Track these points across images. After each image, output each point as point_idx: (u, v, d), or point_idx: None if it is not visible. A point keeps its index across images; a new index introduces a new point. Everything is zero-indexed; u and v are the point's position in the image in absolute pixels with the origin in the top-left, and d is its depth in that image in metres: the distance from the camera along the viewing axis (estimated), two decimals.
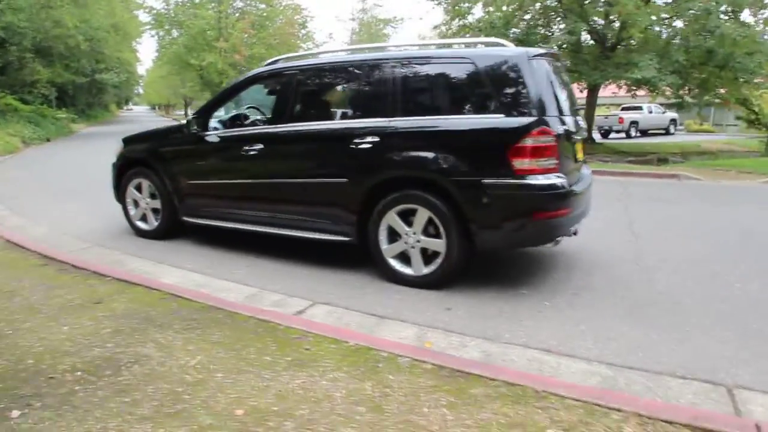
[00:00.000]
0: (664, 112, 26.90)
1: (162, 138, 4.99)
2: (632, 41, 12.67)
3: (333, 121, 4.01)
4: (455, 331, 3.08)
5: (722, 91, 13.17)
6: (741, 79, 11.65)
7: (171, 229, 5.08)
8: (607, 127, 25.55)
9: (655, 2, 11.79)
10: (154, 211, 5.10)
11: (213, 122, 4.71)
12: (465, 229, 3.52)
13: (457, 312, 3.34)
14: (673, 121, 27.32)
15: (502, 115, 3.37)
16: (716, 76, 12.14)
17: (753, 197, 7.83)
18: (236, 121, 5.06)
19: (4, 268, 4.04)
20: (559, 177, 3.37)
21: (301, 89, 4.22)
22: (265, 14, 29.32)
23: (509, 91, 3.39)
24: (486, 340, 2.95)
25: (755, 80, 11.26)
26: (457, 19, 14.79)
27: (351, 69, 4.02)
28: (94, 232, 5.42)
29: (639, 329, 3.07)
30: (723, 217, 6.24)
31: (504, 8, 13.72)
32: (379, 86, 3.82)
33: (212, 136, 4.60)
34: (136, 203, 5.23)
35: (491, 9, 14.15)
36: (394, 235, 3.82)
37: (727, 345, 2.87)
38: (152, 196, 5.07)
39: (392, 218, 3.76)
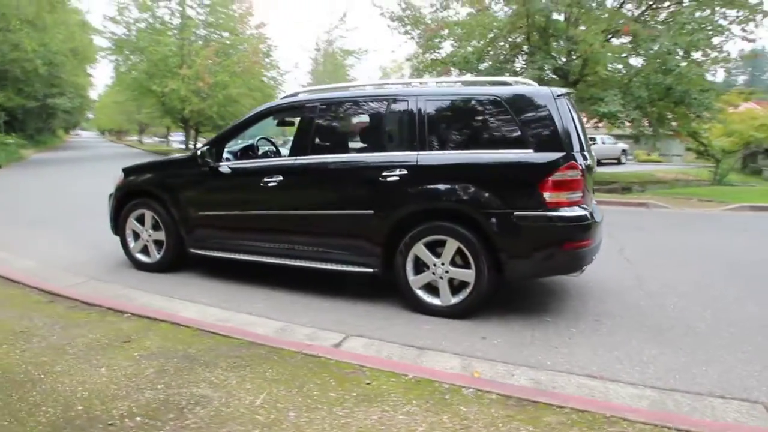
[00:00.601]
0: (615, 143, 28.45)
1: (170, 168, 4.88)
2: (589, 78, 13.48)
3: (358, 154, 4.06)
4: (497, 359, 3.14)
5: (674, 124, 14.18)
6: (693, 114, 12.62)
7: (175, 261, 4.93)
8: None
9: (614, 43, 12.66)
10: (157, 243, 4.94)
11: (224, 153, 4.68)
12: (494, 259, 3.62)
13: (492, 341, 3.41)
14: (624, 151, 28.91)
15: (530, 151, 3.54)
16: (671, 111, 13.10)
17: (721, 224, 8.38)
18: (247, 152, 5.04)
19: (7, 306, 3.80)
20: (584, 209, 3.55)
21: (324, 122, 4.27)
22: (229, 42, 29.25)
23: (537, 127, 3.57)
24: (530, 368, 3.02)
25: (706, 115, 12.22)
26: (429, 53, 15.28)
27: (376, 103, 4.11)
28: (84, 264, 5.18)
29: (667, 352, 3.23)
30: (704, 244, 6.66)
31: (474, 43, 14.32)
32: (405, 120, 3.92)
33: (226, 167, 4.54)
34: (135, 235, 5.05)
35: (457, 45, 14.76)
36: (419, 266, 3.87)
37: (751, 365, 3.07)
38: (155, 228, 4.92)
39: (420, 249, 3.81)
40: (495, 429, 2.23)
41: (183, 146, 34.28)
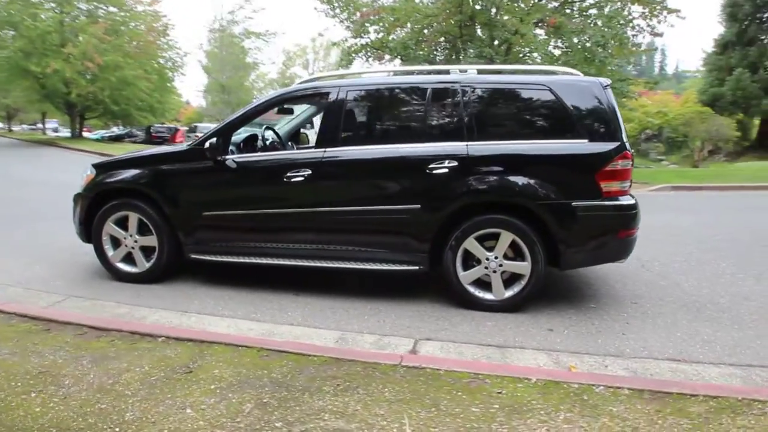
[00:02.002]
0: None
1: (164, 163, 4.20)
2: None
3: (399, 146, 3.79)
4: (579, 351, 3.13)
5: None
6: None
7: (169, 269, 4.31)
8: None
9: (541, 35, 13.33)
10: (145, 249, 4.27)
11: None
12: (549, 250, 3.60)
13: (560, 332, 3.40)
14: None
15: (585, 141, 3.54)
16: None
17: (658, 204, 9.22)
18: (251, 143, 4.52)
19: None
20: (633, 197, 3.64)
21: (357, 111, 3.92)
22: (119, 18, 26.35)
23: (590, 117, 3.58)
24: (615, 356, 3.05)
25: (625, 103, 13.41)
26: (359, 38, 14.96)
27: (415, 91, 3.85)
28: (48, 279, 4.35)
29: (720, 330, 3.44)
30: (662, 223, 7.17)
31: (406, 30, 14.27)
32: (450, 109, 3.73)
33: (238, 161, 4.03)
34: (115, 242, 4.33)
35: (384, 31, 14.63)
36: (466, 261, 3.75)
37: None
38: (142, 232, 4.25)
39: (471, 244, 3.68)
40: (658, 427, 2.20)
41: (68, 134, 30.51)
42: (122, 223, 4.28)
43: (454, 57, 13.75)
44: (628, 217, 3.57)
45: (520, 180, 3.56)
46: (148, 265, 4.27)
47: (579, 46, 12.18)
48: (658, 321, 3.60)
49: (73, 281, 4.33)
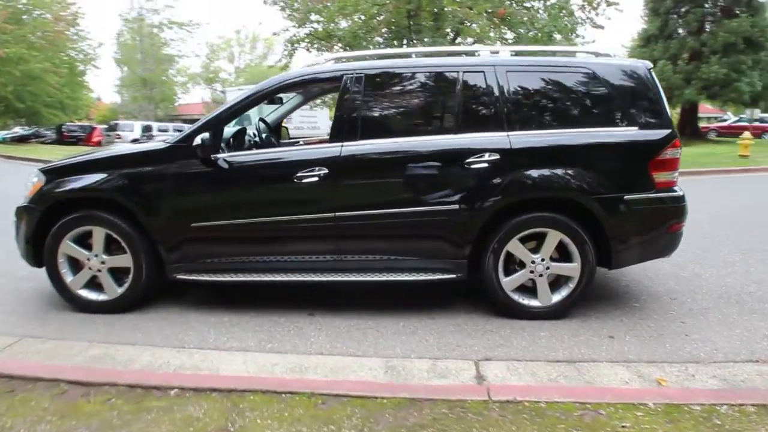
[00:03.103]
0: None
1: (139, 164, 3.41)
2: None
3: (430, 138, 3.30)
4: (654, 359, 2.84)
5: None
6: None
7: (147, 294, 3.56)
8: None
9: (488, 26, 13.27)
10: (115, 271, 3.49)
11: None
12: (599, 249, 3.29)
13: (622, 339, 3.09)
14: None
15: (635, 128, 3.25)
16: None
17: None
18: (241, 138, 3.83)
19: None
20: (681, 188, 3.40)
21: (377, 99, 3.39)
22: (21, 6, 23.59)
23: (638, 103, 3.28)
24: (696, 363, 2.78)
25: None
26: (303, 27, 14.19)
27: (444, 75, 3.37)
28: None
29: None
30: None
31: (350, 19, 13.71)
32: (485, 96, 3.29)
33: (232, 159, 3.36)
34: (75, 264, 3.51)
35: (325, 21, 14.01)
36: (508, 265, 3.36)
37: None
38: (111, 251, 3.47)
39: (515, 246, 3.29)
40: None
41: None
42: (84, 241, 3.47)
43: (403, 47, 13.37)
44: (679, 209, 3.32)
45: (570, 173, 3.21)
46: (120, 290, 3.49)
47: (529, 36, 12.23)
48: (709, 318, 3.40)
49: (24, 317, 3.47)
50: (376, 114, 3.43)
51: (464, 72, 3.33)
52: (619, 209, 3.21)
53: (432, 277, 3.34)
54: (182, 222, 3.38)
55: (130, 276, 3.46)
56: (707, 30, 20.87)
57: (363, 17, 13.24)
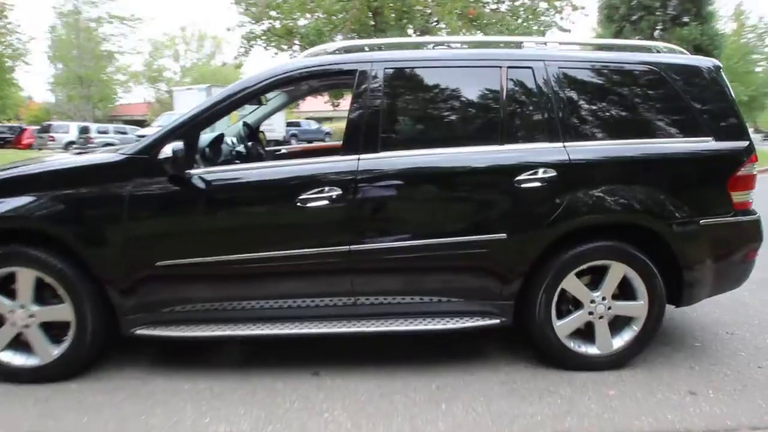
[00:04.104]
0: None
1: (83, 181, 2.53)
2: None
3: (469, 150, 2.62)
4: (760, 427, 2.29)
5: None
6: None
7: (94, 355, 2.69)
8: None
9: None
10: (50, 326, 2.61)
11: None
12: (667, 283, 2.73)
13: (706, 395, 2.53)
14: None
15: (710, 139, 2.71)
16: None
17: None
18: (217, 147, 3.02)
19: None
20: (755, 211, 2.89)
21: (402, 99, 2.68)
22: None
23: (712, 108, 2.74)
24: None
25: None
26: (260, 23, 13.22)
27: (489, 70, 2.68)
28: None
29: None
30: None
31: (314, 16, 12.90)
32: (534, 97, 2.65)
33: (212, 177, 2.55)
34: None
35: (282, 16, 13.15)
36: (560, 305, 2.74)
37: None
38: (43, 300, 2.58)
39: (572, 282, 2.68)
40: None
41: None
42: (4, 287, 2.57)
43: None
44: (757, 234, 2.81)
45: (639, 193, 2.62)
46: (57, 351, 2.60)
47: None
48: None
49: None
50: (402, 118, 2.72)
51: (509, 67, 2.68)
52: (694, 236, 2.66)
53: (469, 324, 2.66)
54: (143, 259, 2.54)
55: (71, 332, 2.58)
56: (657, 38, 21.48)
57: (324, 15, 12.43)
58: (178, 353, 2.92)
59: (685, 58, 2.87)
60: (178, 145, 2.39)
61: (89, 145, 21.36)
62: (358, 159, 2.55)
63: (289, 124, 26.28)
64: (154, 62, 43.86)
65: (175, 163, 2.39)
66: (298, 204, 2.50)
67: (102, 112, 34.78)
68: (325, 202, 2.50)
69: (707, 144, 2.70)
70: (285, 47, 13.38)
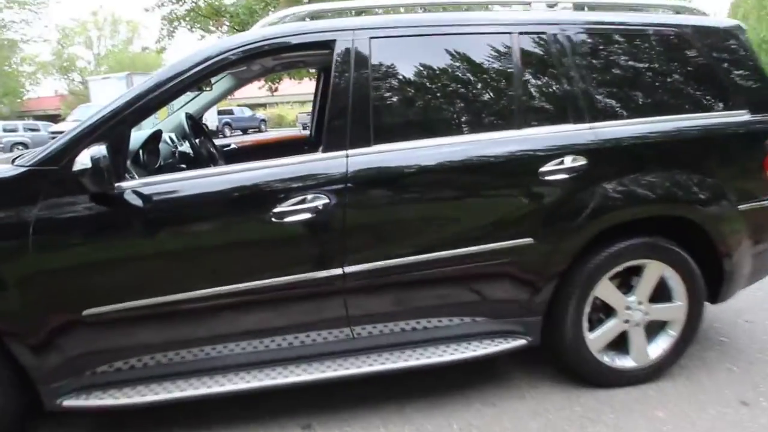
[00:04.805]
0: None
1: None
2: None
3: (481, 135, 2.11)
4: None
5: None
6: None
7: None
8: None
9: None
10: None
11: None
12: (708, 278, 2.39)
13: (758, 404, 2.23)
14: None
15: (744, 112, 2.36)
16: None
17: None
18: (154, 149, 2.34)
19: None
20: None
21: (402, 74, 2.10)
22: None
23: (744, 77, 2.38)
24: None
25: None
26: (184, 2, 12.02)
27: (496, 37, 2.16)
28: None
29: None
30: None
31: None
32: (556, 70, 2.18)
33: (147, 190, 1.90)
34: None
35: None
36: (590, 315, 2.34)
37: None
38: None
39: (605, 288, 2.27)
40: None
41: None
42: None
43: None
44: None
45: (680, 179, 2.24)
46: None
47: None
48: None
49: None
50: (399, 102, 2.15)
51: (520, 33, 2.19)
52: (735, 224, 2.32)
53: (492, 348, 2.20)
54: (62, 304, 1.87)
55: None
56: None
57: None
58: (129, 417, 2.26)
59: (711, 20, 2.49)
60: (100, 150, 1.72)
61: None
62: (347, 156, 1.98)
63: (220, 113, 24.70)
64: (65, 51, 40.31)
65: (97, 176, 1.72)
66: (273, 219, 1.91)
67: (8, 108, 31.48)
68: (308, 215, 1.93)
69: (744, 119, 2.35)
70: (213, 29, 12.29)
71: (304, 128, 20.84)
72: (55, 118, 27.41)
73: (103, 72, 33.78)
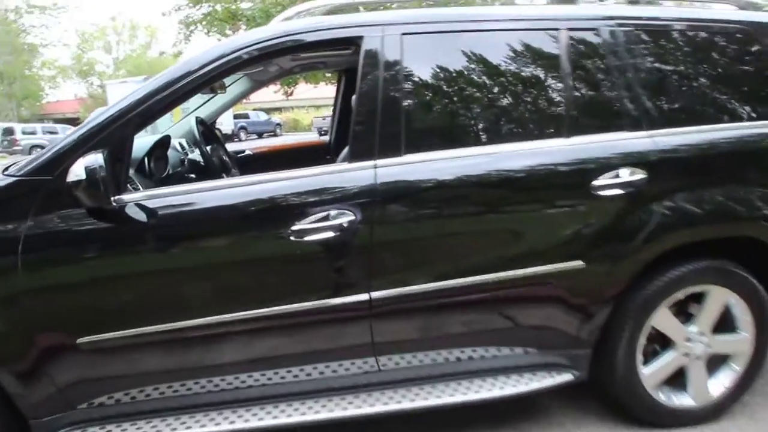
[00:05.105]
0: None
1: None
2: None
3: (523, 144, 1.87)
4: None
5: None
6: None
7: None
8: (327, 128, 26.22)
9: None
10: None
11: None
12: None
13: None
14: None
15: None
16: None
17: None
18: (165, 156, 2.14)
19: None
20: None
21: (436, 76, 1.88)
22: None
23: None
24: None
25: None
26: (201, 5, 11.97)
27: (544, 34, 1.93)
28: None
29: None
30: None
31: None
32: (608, 70, 1.94)
33: (153, 204, 1.69)
34: None
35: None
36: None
37: None
38: None
39: (664, 316, 2.01)
40: None
41: None
42: None
43: None
44: None
45: (751, 194, 1.98)
46: None
47: None
48: None
49: None
50: (433, 108, 1.93)
51: (569, 29, 1.95)
52: None
53: (535, 385, 1.94)
54: (55, 336, 1.67)
55: None
56: None
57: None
58: None
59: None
60: (96, 159, 1.51)
61: (15, 148, 19.47)
62: (375, 167, 1.76)
63: (236, 117, 24.69)
64: (84, 55, 40.89)
65: (92, 189, 1.51)
66: (292, 238, 1.69)
67: (28, 111, 31.95)
68: (330, 233, 1.70)
69: None
70: (230, 32, 12.20)
71: (321, 134, 20.78)
72: (74, 122, 27.72)
73: (122, 76, 34.15)
